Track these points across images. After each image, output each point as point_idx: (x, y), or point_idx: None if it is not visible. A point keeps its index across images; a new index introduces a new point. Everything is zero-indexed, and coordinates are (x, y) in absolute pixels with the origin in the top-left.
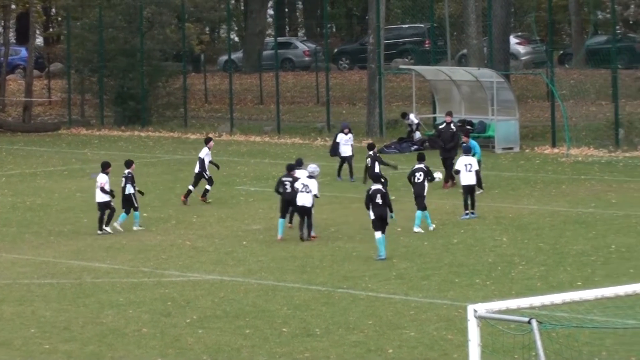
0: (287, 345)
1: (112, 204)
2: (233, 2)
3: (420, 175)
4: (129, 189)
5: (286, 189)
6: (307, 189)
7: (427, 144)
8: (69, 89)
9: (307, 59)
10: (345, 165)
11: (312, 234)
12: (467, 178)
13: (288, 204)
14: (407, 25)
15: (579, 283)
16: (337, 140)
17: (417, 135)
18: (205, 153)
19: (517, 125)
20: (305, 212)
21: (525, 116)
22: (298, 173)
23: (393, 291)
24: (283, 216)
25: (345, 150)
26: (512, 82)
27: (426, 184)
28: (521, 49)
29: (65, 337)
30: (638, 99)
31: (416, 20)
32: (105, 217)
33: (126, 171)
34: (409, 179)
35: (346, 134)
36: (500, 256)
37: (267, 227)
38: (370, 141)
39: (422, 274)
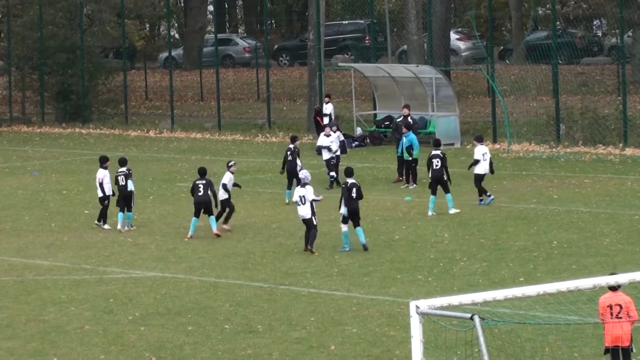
0: (230, 342)
1: (106, 201)
2: None
3: (437, 161)
4: (131, 186)
5: (199, 191)
6: (302, 200)
7: (367, 140)
8: (9, 86)
9: (247, 55)
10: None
11: (312, 248)
12: (482, 167)
13: (199, 205)
14: (347, 22)
15: (521, 279)
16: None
17: (359, 131)
18: (228, 178)
19: (458, 121)
20: (305, 223)
21: (465, 112)
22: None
23: (335, 287)
24: (196, 216)
25: (334, 149)
26: (453, 78)
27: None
28: (461, 45)
29: (7, 335)
30: (579, 94)
31: (356, 16)
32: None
33: (124, 169)
34: (428, 166)
35: (334, 132)
36: (442, 252)
37: (207, 223)
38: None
39: (364, 270)
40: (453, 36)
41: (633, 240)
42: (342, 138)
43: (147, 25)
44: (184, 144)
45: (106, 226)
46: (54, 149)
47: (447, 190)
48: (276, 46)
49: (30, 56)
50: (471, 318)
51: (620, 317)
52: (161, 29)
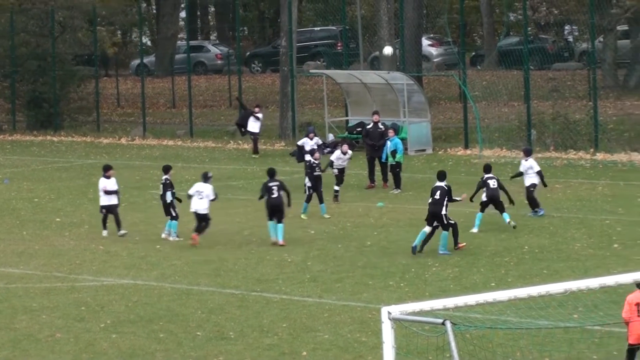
0: (202, 349)
1: (103, 210)
2: (145, 5)
3: (494, 182)
4: (169, 197)
5: (273, 194)
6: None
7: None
8: None
9: (219, 62)
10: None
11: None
12: (529, 179)
13: (273, 208)
14: (319, 28)
15: (493, 284)
16: (301, 144)
17: (330, 137)
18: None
19: (429, 127)
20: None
21: (437, 118)
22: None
23: (307, 294)
24: (271, 219)
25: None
26: (425, 84)
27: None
28: (433, 51)
29: None
30: (550, 99)
31: (328, 22)
32: (109, 220)
33: (164, 177)
34: (480, 186)
35: (311, 138)
36: (413, 258)
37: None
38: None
39: (336, 277)
40: (425, 42)
41: (604, 245)
42: (320, 143)
43: (119, 32)
44: (156, 151)
45: (104, 232)
46: (26, 156)
47: (502, 210)
48: (248, 53)
49: (1, 64)
50: (443, 323)
51: None
52: (133, 36)
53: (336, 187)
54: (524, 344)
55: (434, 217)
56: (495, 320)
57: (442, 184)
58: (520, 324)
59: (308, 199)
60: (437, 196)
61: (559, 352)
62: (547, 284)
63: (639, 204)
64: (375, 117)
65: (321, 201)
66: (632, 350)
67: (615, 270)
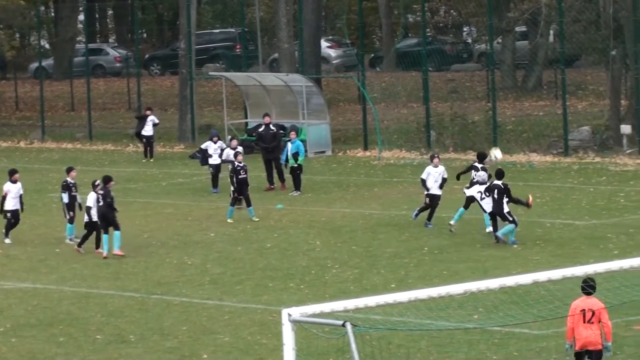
0: (102, 352)
1: (8, 214)
2: (43, 8)
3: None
4: (65, 198)
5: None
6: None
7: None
8: None
9: (118, 65)
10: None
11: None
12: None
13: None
14: (218, 30)
15: (393, 285)
16: (204, 147)
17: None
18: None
19: (329, 129)
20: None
21: (337, 119)
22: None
23: (207, 296)
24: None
25: (216, 159)
26: (324, 86)
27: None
28: (332, 53)
29: None
30: (449, 101)
31: (227, 25)
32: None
33: (68, 179)
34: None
35: (215, 142)
36: (314, 260)
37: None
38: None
39: (236, 279)
40: (324, 44)
41: (502, 245)
42: (223, 147)
43: (18, 35)
44: (55, 155)
45: (7, 240)
46: None
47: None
48: (147, 55)
49: None
50: (343, 325)
51: (592, 322)
52: (32, 39)
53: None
54: (424, 345)
55: (494, 216)
56: (396, 321)
57: (500, 182)
58: (420, 325)
59: (233, 202)
60: (495, 195)
61: (459, 353)
62: (447, 285)
63: (537, 204)
64: (267, 119)
65: (249, 204)
66: (579, 357)
67: (515, 270)
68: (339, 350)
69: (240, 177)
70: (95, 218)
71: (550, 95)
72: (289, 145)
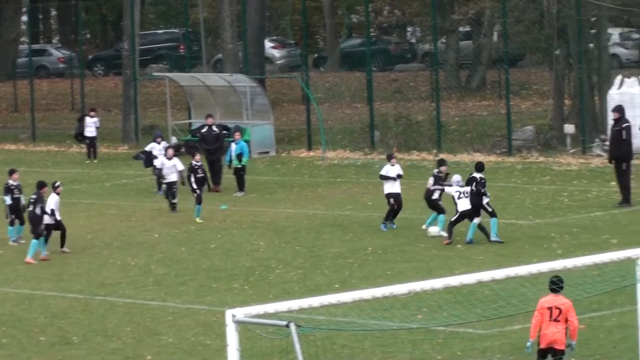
0: (45, 354)
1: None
2: None
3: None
4: (7, 200)
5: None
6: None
7: (183, 149)
8: None
9: (62, 65)
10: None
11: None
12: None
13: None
14: (162, 31)
15: (337, 286)
16: (149, 149)
17: (174, 140)
18: (54, 202)
19: (272, 129)
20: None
21: (281, 120)
22: None
23: (151, 297)
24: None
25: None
26: (268, 86)
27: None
28: (276, 53)
29: None
30: (393, 101)
31: (171, 25)
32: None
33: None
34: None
35: (159, 143)
36: (257, 260)
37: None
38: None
39: (180, 280)
40: (268, 44)
41: (446, 245)
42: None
43: None
44: None
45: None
46: None
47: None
48: (91, 56)
49: None
50: (287, 326)
51: (559, 320)
52: None
53: (174, 200)
54: (368, 345)
55: (476, 209)
56: (340, 322)
57: (478, 175)
58: (364, 325)
59: (199, 201)
60: (474, 187)
61: (403, 352)
62: (391, 285)
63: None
64: (210, 120)
65: (198, 202)
66: (543, 355)
67: (459, 270)
68: (283, 350)
69: (198, 176)
70: (59, 218)
71: (494, 95)
72: (233, 145)
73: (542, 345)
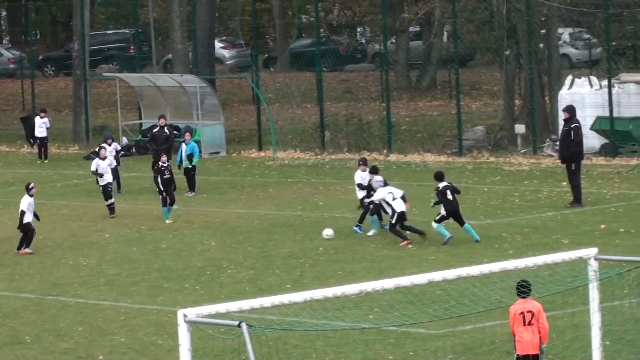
0: None
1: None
2: None
3: (449, 192)
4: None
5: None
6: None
7: (133, 149)
8: None
9: (12, 66)
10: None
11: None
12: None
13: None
14: (111, 31)
15: (288, 286)
16: (98, 150)
17: (124, 141)
18: (27, 203)
19: (223, 129)
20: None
21: (231, 120)
22: None
23: (102, 297)
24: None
25: (112, 162)
26: (218, 87)
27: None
28: (226, 53)
29: None
30: (343, 101)
31: (121, 26)
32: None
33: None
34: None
35: (109, 144)
36: (209, 260)
37: None
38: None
39: (132, 280)
40: (218, 45)
41: (398, 245)
42: (118, 149)
43: None
44: None
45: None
46: None
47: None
48: (41, 57)
49: None
50: (239, 325)
51: (532, 324)
52: None
53: (110, 201)
54: (320, 345)
55: (455, 214)
56: (292, 321)
57: (446, 183)
58: (316, 325)
59: (164, 203)
60: (449, 196)
61: (355, 353)
62: (342, 285)
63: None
64: (162, 121)
65: (172, 203)
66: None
67: (410, 270)
68: (235, 350)
69: (165, 177)
70: (30, 219)
71: (444, 95)
72: (184, 146)
73: (520, 353)
